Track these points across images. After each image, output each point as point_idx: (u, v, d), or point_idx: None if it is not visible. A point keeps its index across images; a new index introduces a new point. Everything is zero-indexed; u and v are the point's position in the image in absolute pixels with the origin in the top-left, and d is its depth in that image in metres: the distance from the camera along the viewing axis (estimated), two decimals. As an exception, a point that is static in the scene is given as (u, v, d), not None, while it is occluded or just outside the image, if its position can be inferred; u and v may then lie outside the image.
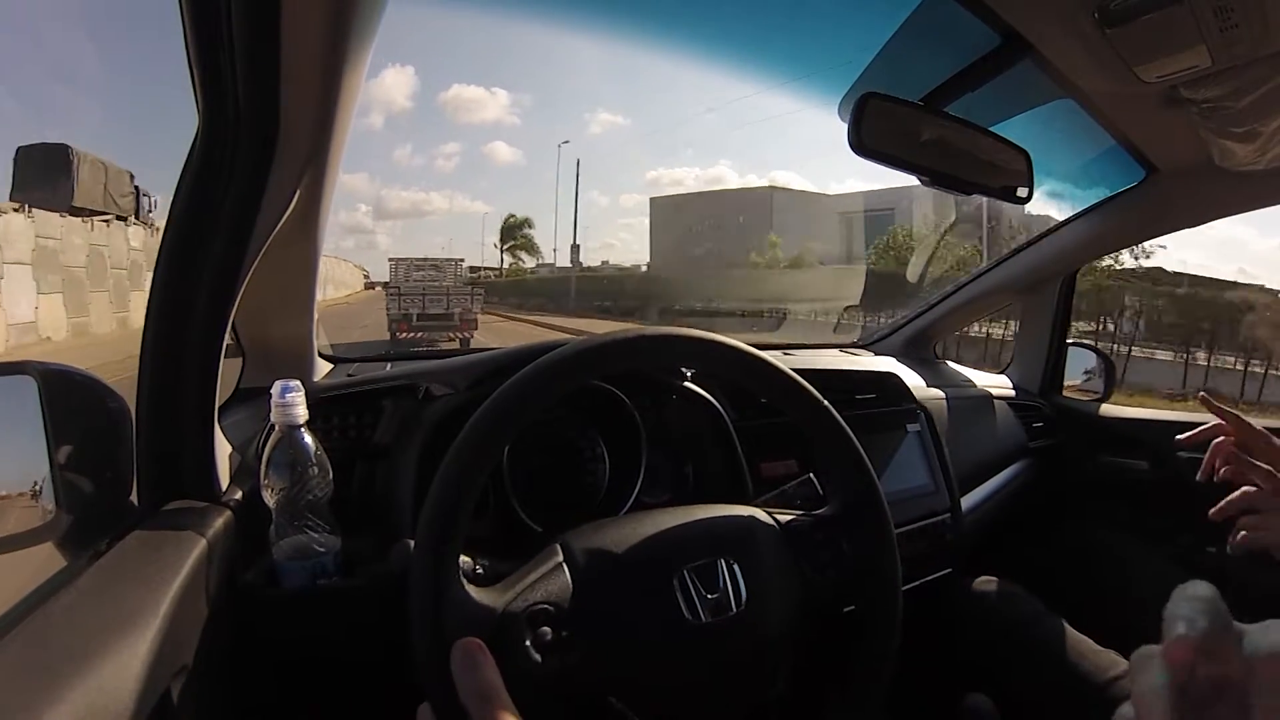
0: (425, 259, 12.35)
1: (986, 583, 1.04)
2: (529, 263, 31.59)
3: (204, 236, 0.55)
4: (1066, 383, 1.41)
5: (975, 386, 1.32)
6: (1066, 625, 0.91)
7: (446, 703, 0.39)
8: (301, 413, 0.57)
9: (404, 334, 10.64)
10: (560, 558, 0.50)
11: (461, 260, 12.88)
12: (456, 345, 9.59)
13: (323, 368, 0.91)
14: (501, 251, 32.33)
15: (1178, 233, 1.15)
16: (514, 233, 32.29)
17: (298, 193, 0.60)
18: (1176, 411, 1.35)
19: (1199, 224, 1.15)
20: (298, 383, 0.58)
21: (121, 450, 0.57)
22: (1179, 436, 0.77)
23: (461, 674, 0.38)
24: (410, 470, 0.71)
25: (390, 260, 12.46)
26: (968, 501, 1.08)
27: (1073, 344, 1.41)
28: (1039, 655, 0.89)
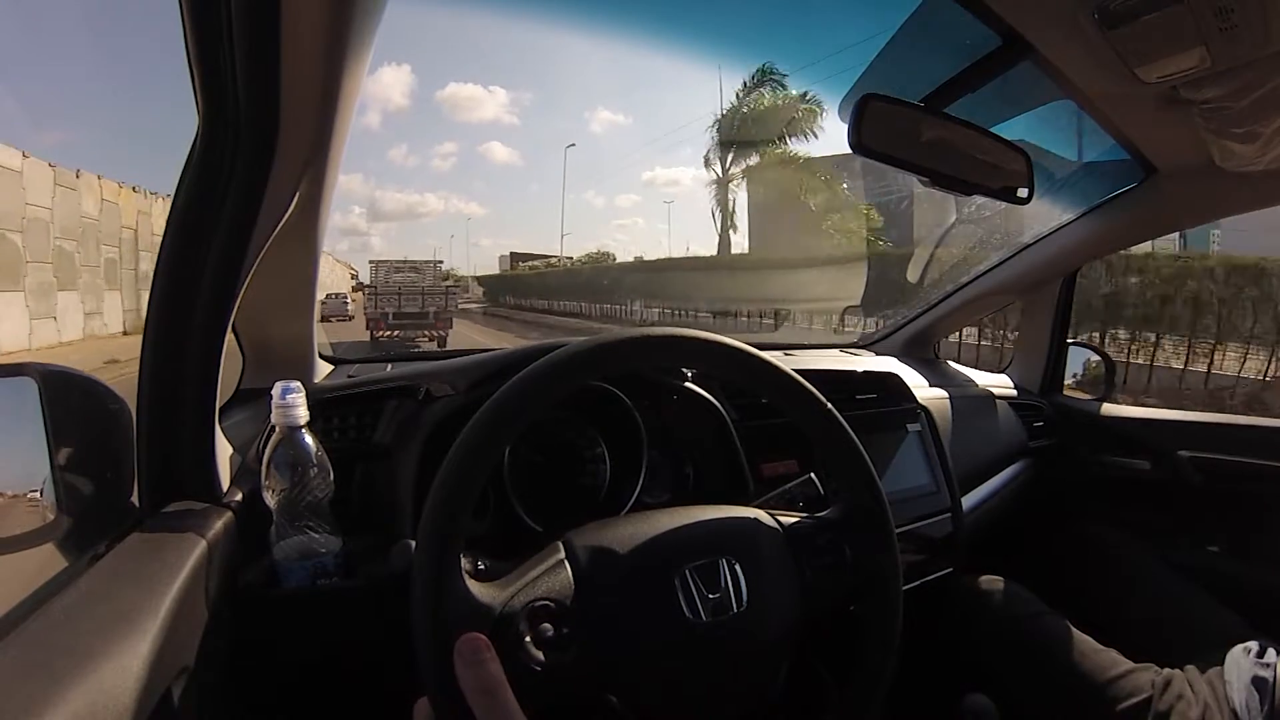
0: (405, 261, 12.51)
1: (988, 582, 1.04)
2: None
3: (204, 237, 0.55)
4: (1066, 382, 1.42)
5: (976, 386, 1.32)
6: (1068, 624, 0.91)
7: (448, 698, 0.39)
8: (302, 414, 0.58)
9: (381, 333, 10.77)
10: (562, 555, 0.50)
11: (440, 262, 12.92)
12: (435, 344, 10.11)
13: (323, 369, 0.91)
14: (725, 164, 13.93)
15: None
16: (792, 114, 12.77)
17: (298, 193, 0.60)
18: (1177, 412, 1.34)
19: (1199, 224, 1.15)
20: (298, 384, 0.58)
21: (122, 451, 0.57)
22: None
23: (465, 669, 0.38)
24: (411, 471, 0.71)
25: (370, 263, 12.63)
26: (968, 501, 1.08)
27: (1073, 344, 1.41)
28: (1040, 654, 0.89)
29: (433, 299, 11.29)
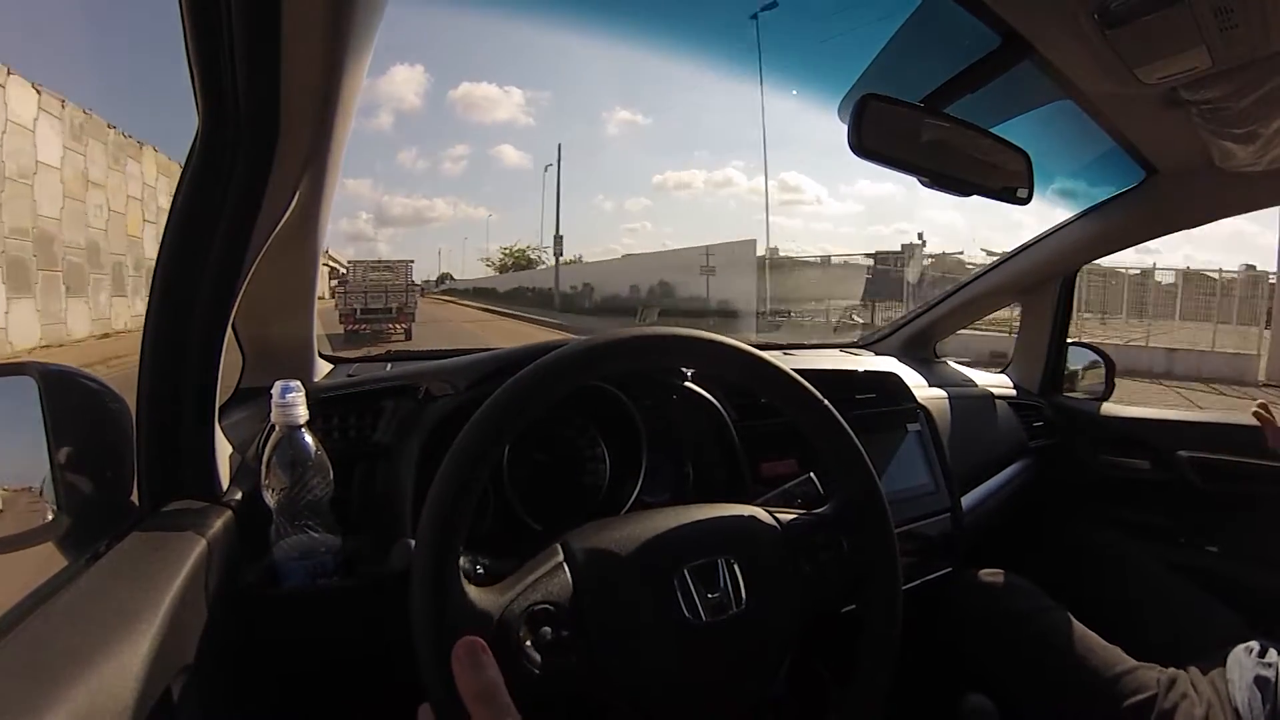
0: (380, 261, 13.81)
1: (990, 574, 1.04)
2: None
3: (204, 236, 0.55)
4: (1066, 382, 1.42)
5: (975, 386, 1.32)
6: (1071, 618, 0.91)
7: (448, 702, 0.39)
8: (302, 413, 0.58)
9: (352, 326, 12.02)
10: (561, 557, 0.50)
11: (411, 262, 13.86)
12: (401, 336, 11.55)
13: (323, 368, 0.91)
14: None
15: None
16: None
17: (298, 193, 0.60)
18: (1177, 411, 1.34)
19: (1198, 225, 1.15)
20: (298, 383, 0.58)
21: (122, 450, 0.57)
22: None
23: (462, 673, 0.38)
24: (410, 470, 0.71)
25: (349, 262, 13.97)
26: (968, 501, 1.07)
27: (1073, 344, 1.41)
28: (1044, 649, 0.89)
29: (395, 295, 12.63)
